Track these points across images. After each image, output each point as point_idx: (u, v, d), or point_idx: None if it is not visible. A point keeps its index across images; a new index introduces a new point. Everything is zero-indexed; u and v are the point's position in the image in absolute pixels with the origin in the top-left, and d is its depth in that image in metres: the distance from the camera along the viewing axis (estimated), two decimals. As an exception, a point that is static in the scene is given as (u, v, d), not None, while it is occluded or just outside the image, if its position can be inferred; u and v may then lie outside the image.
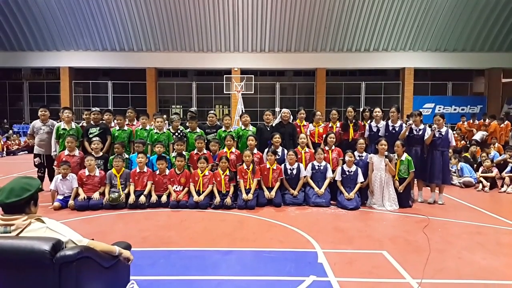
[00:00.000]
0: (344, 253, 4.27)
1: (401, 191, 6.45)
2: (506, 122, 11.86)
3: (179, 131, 7.53)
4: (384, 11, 19.86)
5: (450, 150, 7.88)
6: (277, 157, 6.84)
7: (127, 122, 7.84)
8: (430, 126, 6.95)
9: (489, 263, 4.01)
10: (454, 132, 11.86)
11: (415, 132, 6.83)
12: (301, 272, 3.69)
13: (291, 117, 7.63)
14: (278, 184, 6.67)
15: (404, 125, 7.00)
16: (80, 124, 7.69)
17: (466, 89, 24.05)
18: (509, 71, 22.24)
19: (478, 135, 11.72)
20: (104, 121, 7.58)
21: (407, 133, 6.79)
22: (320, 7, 19.67)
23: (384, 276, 3.65)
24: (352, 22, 20.35)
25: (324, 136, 7.21)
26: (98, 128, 7.24)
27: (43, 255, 2.07)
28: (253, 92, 20.27)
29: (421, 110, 7.85)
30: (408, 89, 22.02)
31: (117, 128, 7.43)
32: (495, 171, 8.36)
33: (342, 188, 6.57)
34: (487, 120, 12.74)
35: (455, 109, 22.12)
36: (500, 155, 9.52)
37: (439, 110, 21.60)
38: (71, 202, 6.22)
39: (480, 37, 20.92)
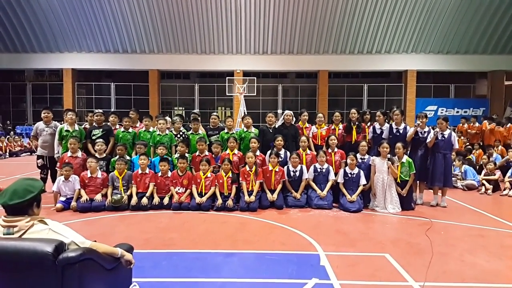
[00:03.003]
0: (346, 256, 4.26)
1: (405, 195, 6.43)
2: (509, 124, 11.77)
3: (181, 133, 7.54)
4: (387, 13, 19.84)
5: (454, 153, 7.85)
6: (280, 159, 6.84)
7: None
8: (433, 129, 6.94)
9: (492, 266, 3.99)
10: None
11: (420, 135, 6.82)
12: (304, 275, 3.68)
13: (294, 119, 7.63)
14: (280, 186, 6.66)
15: (408, 127, 6.99)
16: (83, 126, 7.69)
17: (468, 92, 24.02)
18: (512, 73, 22.22)
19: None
20: (107, 123, 7.58)
21: (413, 135, 6.79)
22: (323, 9, 19.68)
23: (386, 279, 3.64)
24: (354, 24, 20.34)
25: (326, 138, 7.20)
26: (101, 129, 7.24)
27: (45, 256, 2.07)
28: (255, 94, 20.29)
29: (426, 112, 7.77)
30: (411, 91, 21.98)
31: (122, 129, 7.43)
32: (498, 173, 8.32)
33: (344, 190, 6.56)
34: (483, 122, 12.58)
35: (457, 112, 22.05)
36: (503, 157, 9.48)
37: (441, 113, 21.57)
38: (73, 203, 6.23)
39: (483, 39, 20.87)
